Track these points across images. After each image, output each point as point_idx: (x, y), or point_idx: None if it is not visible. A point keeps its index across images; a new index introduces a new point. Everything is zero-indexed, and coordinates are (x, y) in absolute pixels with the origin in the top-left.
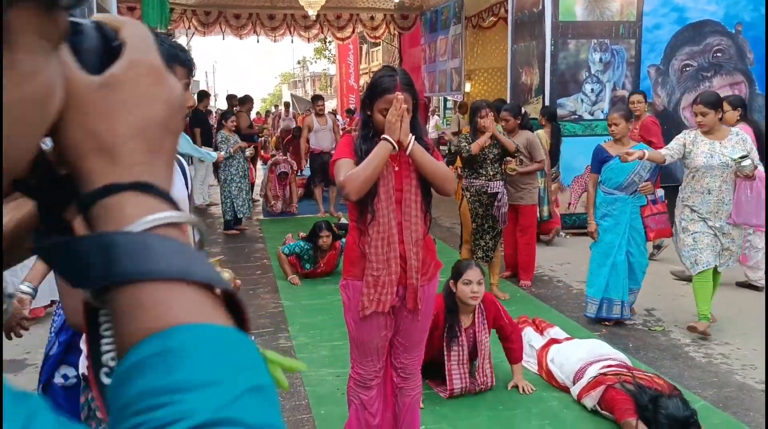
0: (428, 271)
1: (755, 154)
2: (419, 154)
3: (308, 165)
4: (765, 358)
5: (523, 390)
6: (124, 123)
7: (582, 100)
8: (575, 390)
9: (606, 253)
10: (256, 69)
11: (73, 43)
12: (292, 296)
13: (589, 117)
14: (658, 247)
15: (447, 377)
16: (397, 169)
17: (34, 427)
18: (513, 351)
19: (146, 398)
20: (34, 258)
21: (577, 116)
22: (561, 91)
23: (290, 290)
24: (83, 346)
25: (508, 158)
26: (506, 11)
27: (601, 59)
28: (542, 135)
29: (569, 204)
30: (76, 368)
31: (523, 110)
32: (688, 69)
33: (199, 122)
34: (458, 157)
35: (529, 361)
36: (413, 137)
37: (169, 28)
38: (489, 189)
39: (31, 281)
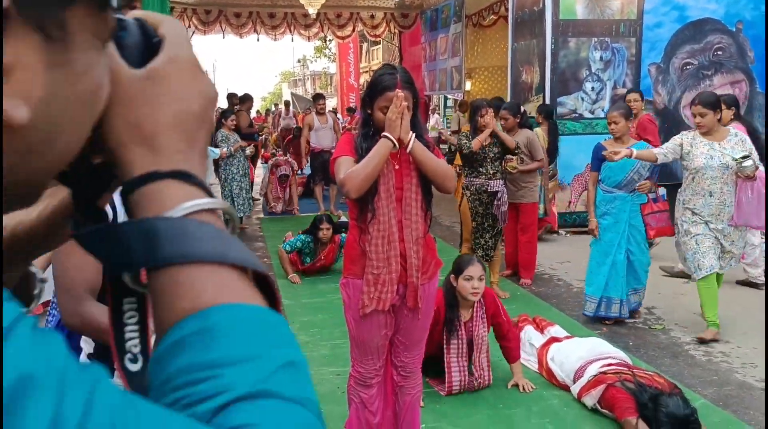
0: (428, 270)
1: (756, 155)
2: (420, 151)
3: (308, 163)
4: (765, 356)
5: (523, 388)
6: (165, 115)
7: (582, 99)
8: (575, 388)
9: (606, 251)
10: (256, 67)
11: (117, 39)
12: (293, 295)
13: (590, 115)
14: (649, 245)
15: (446, 371)
16: (397, 167)
17: (98, 394)
18: (510, 349)
19: (186, 374)
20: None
21: (577, 115)
22: (561, 90)
23: (290, 289)
24: (84, 345)
25: (509, 156)
26: (507, 9)
27: (601, 57)
28: (540, 133)
29: (569, 202)
30: None
31: (522, 109)
32: (688, 67)
33: None
34: (458, 155)
35: (530, 360)
36: (414, 135)
37: None
38: (489, 187)
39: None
